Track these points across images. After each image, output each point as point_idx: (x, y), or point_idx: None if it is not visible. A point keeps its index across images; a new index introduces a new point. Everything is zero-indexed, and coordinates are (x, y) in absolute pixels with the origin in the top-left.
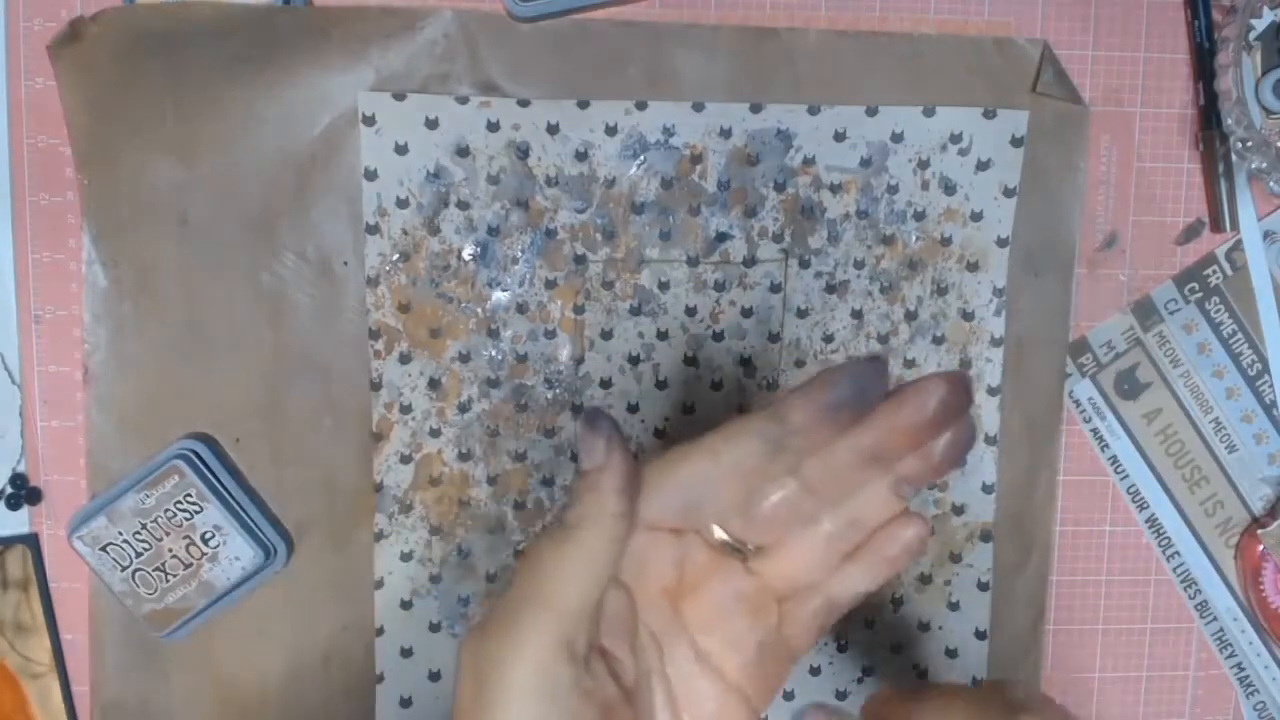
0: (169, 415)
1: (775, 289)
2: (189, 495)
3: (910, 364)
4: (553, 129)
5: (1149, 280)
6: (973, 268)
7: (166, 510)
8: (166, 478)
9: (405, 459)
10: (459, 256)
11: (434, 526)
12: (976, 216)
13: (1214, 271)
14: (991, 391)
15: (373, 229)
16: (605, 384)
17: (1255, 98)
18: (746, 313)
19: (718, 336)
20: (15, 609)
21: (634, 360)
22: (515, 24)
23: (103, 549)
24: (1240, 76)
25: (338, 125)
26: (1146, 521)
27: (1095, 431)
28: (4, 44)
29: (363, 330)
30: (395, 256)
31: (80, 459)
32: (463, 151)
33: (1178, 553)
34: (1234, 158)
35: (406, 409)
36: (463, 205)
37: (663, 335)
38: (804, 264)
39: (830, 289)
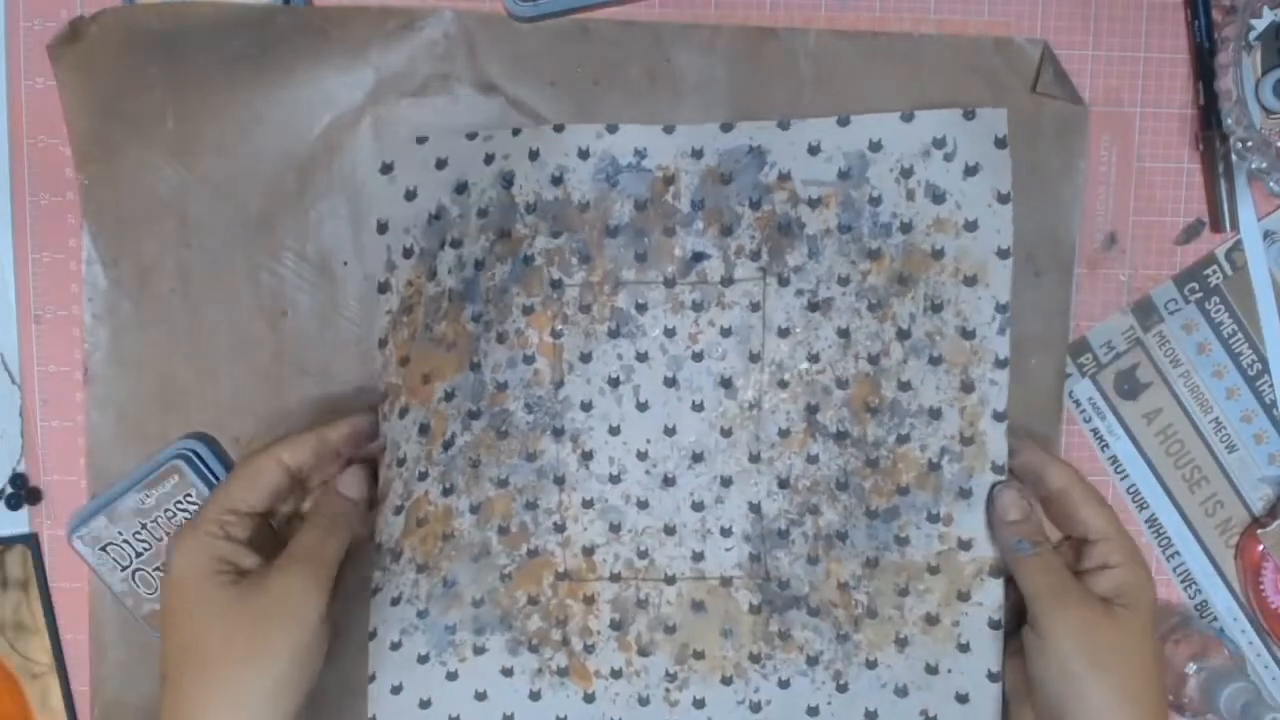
0: (169, 415)
1: (754, 308)
2: (189, 495)
3: (905, 386)
4: (533, 154)
5: (1149, 280)
6: (970, 281)
7: (166, 510)
8: (166, 478)
9: (398, 510)
10: (449, 296)
11: (420, 565)
12: (971, 226)
13: (1214, 271)
14: (998, 417)
15: (384, 286)
16: (585, 407)
17: (1255, 98)
18: (726, 332)
19: (697, 357)
20: (15, 609)
21: (614, 382)
22: (515, 24)
23: (103, 549)
24: (1240, 76)
25: (338, 125)
26: (1146, 521)
27: (1095, 431)
28: (4, 44)
29: (363, 331)
30: (400, 311)
31: (80, 459)
32: (461, 188)
33: (1178, 553)
34: (1234, 158)
35: (401, 462)
36: (456, 244)
37: (642, 357)
38: (783, 282)
39: (813, 307)
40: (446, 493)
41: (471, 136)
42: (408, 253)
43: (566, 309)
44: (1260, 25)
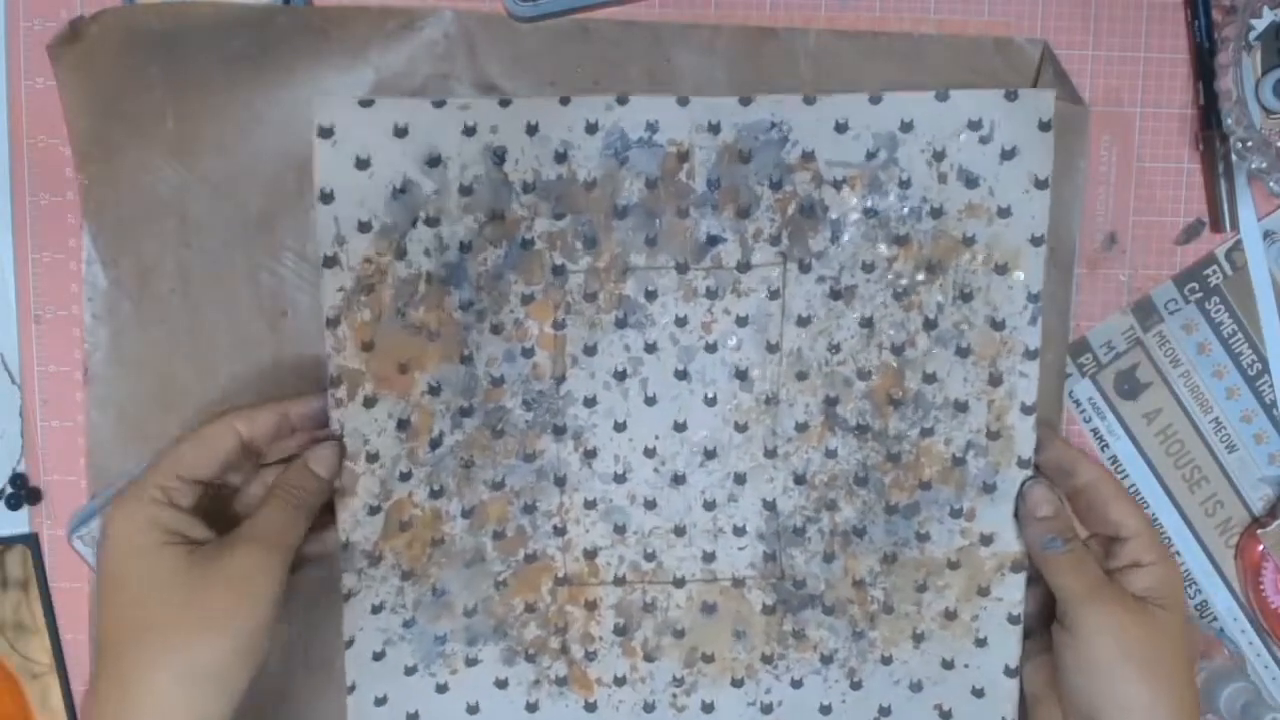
0: (169, 415)
1: (773, 295)
2: None
3: (930, 378)
4: (532, 129)
5: (1149, 280)
6: (1002, 270)
7: None
8: None
9: (374, 510)
10: (427, 280)
11: (405, 572)
12: (1004, 212)
13: (1214, 271)
14: (1026, 410)
15: (331, 260)
16: (589, 402)
17: (1255, 98)
18: (742, 321)
19: (710, 348)
20: (15, 609)
21: (620, 376)
22: (515, 24)
23: None
24: (1240, 76)
25: None
26: None
27: (1095, 431)
28: (4, 44)
29: None
30: (356, 290)
31: (80, 459)
32: (434, 161)
33: (1178, 553)
34: (1234, 158)
35: (373, 458)
36: (432, 222)
37: (651, 348)
38: (804, 268)
39: (835, 294)
40: (435, 495)
41: (439, 104)
42: (364, 226)
43: (570, 297)
44: (1260, 25)
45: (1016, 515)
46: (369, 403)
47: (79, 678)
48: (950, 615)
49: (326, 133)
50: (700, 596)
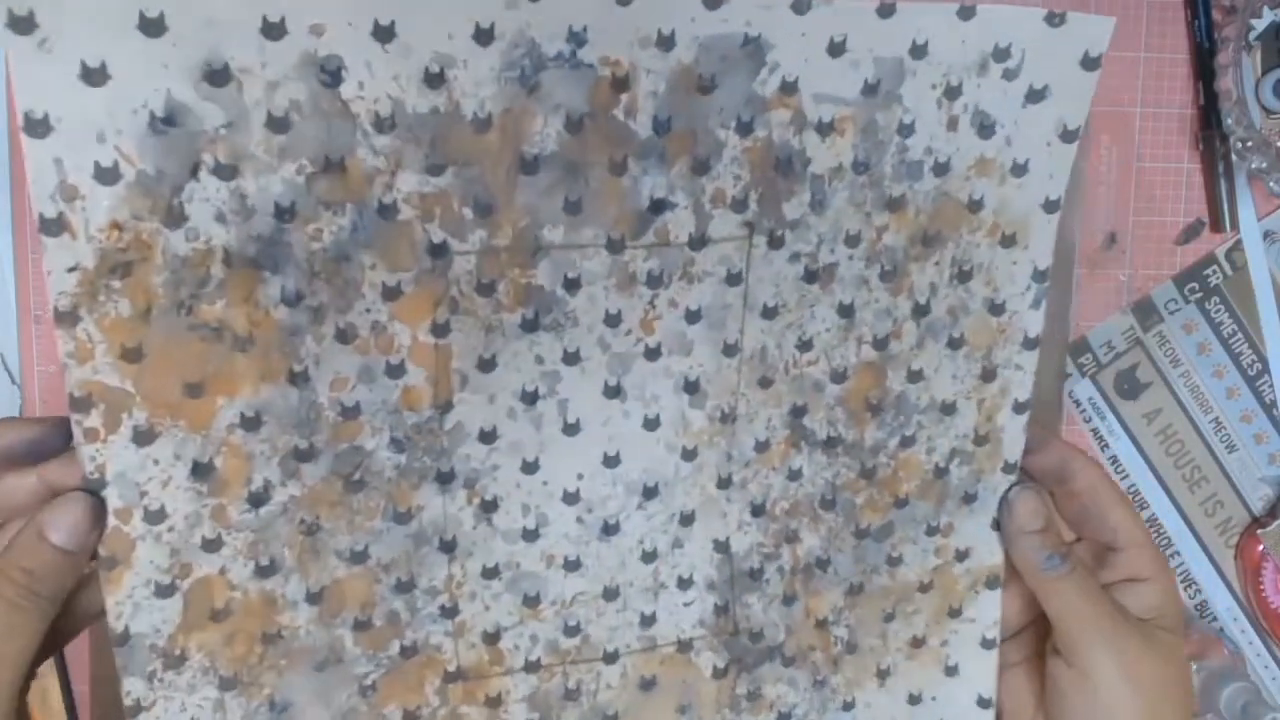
0: None
1: (733, 280)
2: None
3: (916, 376)
4: (384, 33)
5: (1149, 280)
6: (1008, 242)
7: None
8: None
9: (164, 590)
10: (225, 260)
11: (226, 679)
12: (1019, 169)
13: (1214, 271)
14: (1019, 408)
15: (54, 225)
16: (487, 437)
17: (1255, 98)
18: (693, 316)
19: (652, 353)
20: None
21: (530, 398)
22: None
23: None
24: (1240, 76)
25: None
26: (1146, 521)
27: (1095, 431)
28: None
29: None
30: (103, 270)
31: None
32: (218, 75)
33: (1178, 553)
34: (1234, 158)
35: (156, 516)
36: (225, 172)
37: (572, 358)
38: (775, 242)
39: (810, 276)
40: (264, 573)
41: None
42: (108, 174)
43: (456, 290)
44: (1260, 25)
45: (995, 525)
46: (142, 437)
47: (79, 678)
48: (918, 643)
49: (23, 25)
50: (637, 671)
